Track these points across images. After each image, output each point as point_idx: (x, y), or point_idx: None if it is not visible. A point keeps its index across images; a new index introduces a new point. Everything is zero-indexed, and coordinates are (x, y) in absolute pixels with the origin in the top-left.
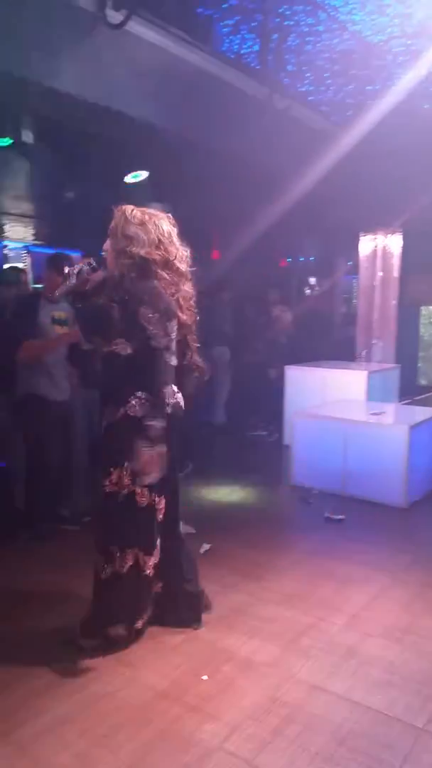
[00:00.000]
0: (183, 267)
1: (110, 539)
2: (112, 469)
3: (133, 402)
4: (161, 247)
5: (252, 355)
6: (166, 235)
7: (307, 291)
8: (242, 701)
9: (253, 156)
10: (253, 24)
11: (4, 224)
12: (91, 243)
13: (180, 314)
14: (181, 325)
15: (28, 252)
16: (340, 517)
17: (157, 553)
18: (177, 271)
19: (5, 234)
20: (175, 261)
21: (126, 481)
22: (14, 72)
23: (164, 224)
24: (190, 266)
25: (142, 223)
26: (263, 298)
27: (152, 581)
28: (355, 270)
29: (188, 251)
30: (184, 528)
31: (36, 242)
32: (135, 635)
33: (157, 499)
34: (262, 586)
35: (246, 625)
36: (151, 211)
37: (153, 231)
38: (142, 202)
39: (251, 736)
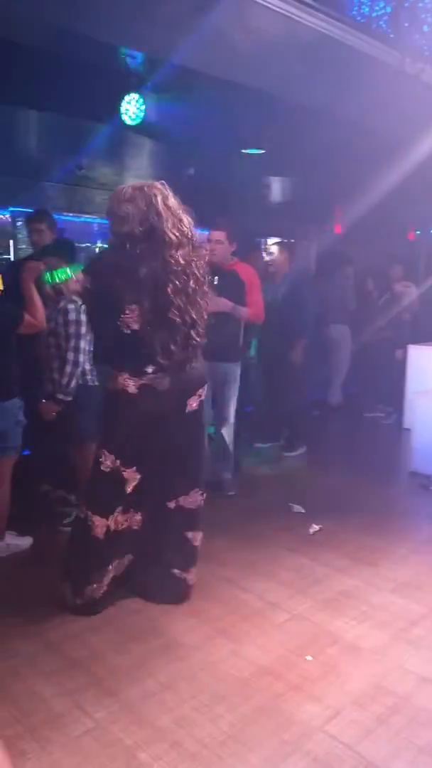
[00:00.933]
0: (173, 235)
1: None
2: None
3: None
4: (148, 218)
5: (374, 334)
6: (158, 205)
7: None
8: (346, 686)
9: (379, 124)
10: None
11: None
12: (211, 217)
13: (168, 284)
14: (171, 294)
15: None
16: None
17: (113, 520)
18: (162, 241)
19: None
20: (166, 230)
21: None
22: (141, 50)
23: (157, 194)
24: (187, 233)
25: (132, 199)
26: (387, 274)
27: (104, 547)
28: None
29: (187, 218)
30: (294, 507)
31: None
32: (88, 602)
33: (123, 469)
34: (375, 572)
35: (355, 609)
36: (143, 183)
37: (142, 204)
38: (259, 176)
39: (354, 722)
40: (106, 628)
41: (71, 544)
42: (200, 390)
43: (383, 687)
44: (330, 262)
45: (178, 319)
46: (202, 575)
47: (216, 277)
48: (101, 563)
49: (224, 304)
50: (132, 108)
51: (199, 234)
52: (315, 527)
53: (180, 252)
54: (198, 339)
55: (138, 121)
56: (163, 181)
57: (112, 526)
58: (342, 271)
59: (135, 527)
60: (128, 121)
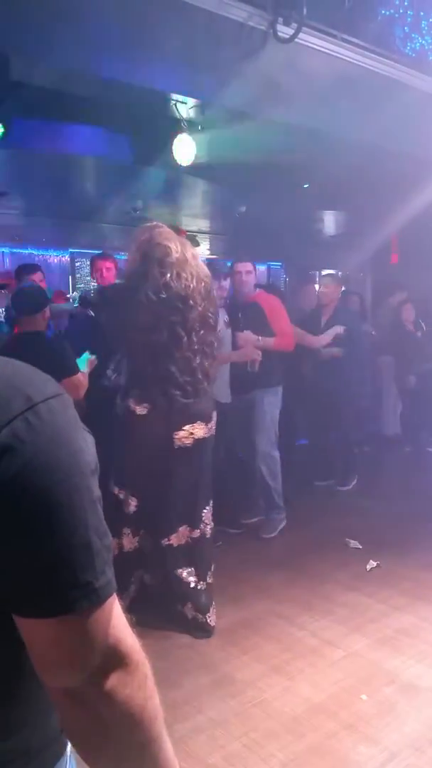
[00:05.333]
0: (146, 296)
1: None
2: None
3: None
4: (142, 265)
5: (420, 365)
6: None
7: None
8: (403, 727)
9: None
10: None
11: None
12: (264, 251)
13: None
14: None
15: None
16: None
17: (123, 540)
18: (137, 301)
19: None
20: (142, 291)
21: None
22: (190, 96)
23: (154, 249)
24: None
25: (135, 241)
26: None
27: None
28: None
29: (191, 270)
30: (350, 543)
31: (210, 256)
32: None
33: (119, 491)
34: None
35: (413, 648)
36: (152, 230)
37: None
38: (312, 209)
39: (411, 767)
40: (157, 663)
41: None
42: (189, 426)
43: None
44: (382, 292)
45: (161, 365)
46: (256, 612)
47: (240, 314)
48: (120, 576)
49: (246, 338)
50: (183, 150)
51: (221, 266)
52: (372, 563)
53: (158, 312)
54: (188, 379)
55: (189, 162)
56: (163, 228)
57: (126, 546)
58: (387, 302)
59: (147, 550)
60: (180, 163)
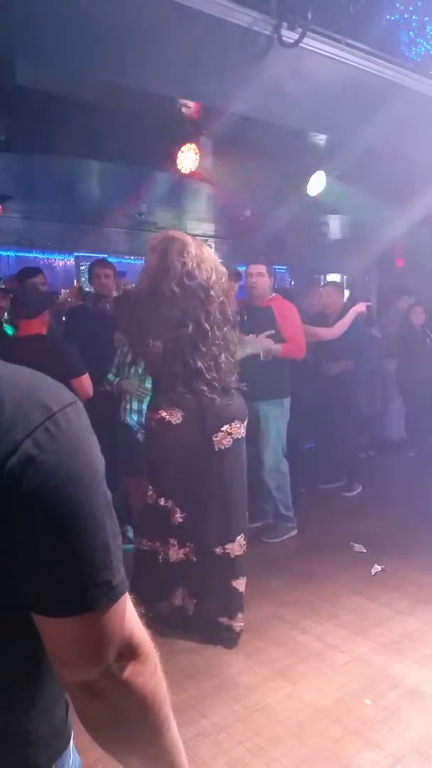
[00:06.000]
0: (176, 288)
1: None
2: None
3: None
4: (159, 271)
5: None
6: (170, 258)
7: None
8: (407, 732)
9: None
10: None
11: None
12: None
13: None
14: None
15: None
16: None
17: (173, 550)
18: (161, 295)
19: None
20: (165, 285)
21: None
22: (195, 100)
23: (170, 248)
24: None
25: (153, 250)
26: None
27: (164, 573)
28: None
29: (207, 268)
30: (355, 547)
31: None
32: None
33: (164, 501)
34: None
35: (418, 653)
36: (166, 235)
37: (156, 257)
38: (317, 214)
39: None
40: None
41: (137, 569)
42: (226, 426)
43: None
44: (387, 296)
45: (190, 360)
46: (260, 615)
47: (246, 316)
48: (165, 584)
49: (252, 341)
50: (187, 157)
51: (235, 269)
52: (377, 567)
53: (166, 308)
54: (215, 376)
55: (192, 168)
56: (180, 232)
57: (173, 557)
58: (394, 306)
59: (194, 559)
60: (183, 170)
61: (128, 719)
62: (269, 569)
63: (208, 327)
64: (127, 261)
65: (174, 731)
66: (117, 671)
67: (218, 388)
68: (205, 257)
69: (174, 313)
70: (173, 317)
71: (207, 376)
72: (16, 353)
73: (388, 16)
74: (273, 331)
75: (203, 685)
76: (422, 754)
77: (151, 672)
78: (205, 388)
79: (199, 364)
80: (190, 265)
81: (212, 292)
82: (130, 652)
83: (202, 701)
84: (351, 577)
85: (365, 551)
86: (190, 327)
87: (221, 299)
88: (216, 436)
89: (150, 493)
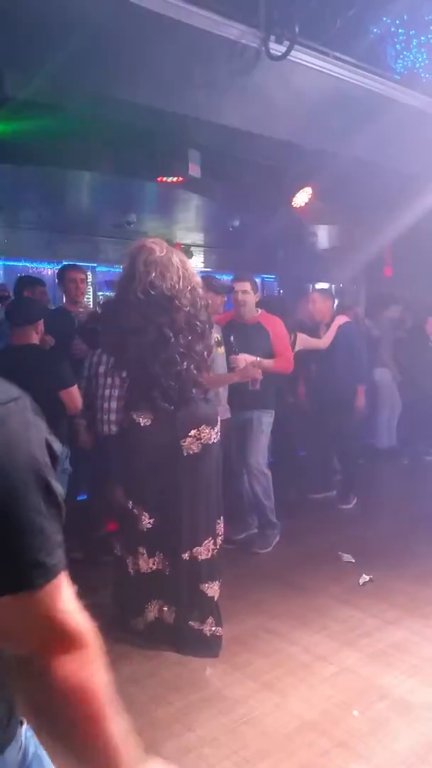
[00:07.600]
0: (134, 296)
1: None
2: None
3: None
4: (128, 276)
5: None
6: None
7: None
8: (395, 744)
9: (422, 170)
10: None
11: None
12: (258, 265)
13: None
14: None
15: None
16: None
17: (143, 560)
18: (127, 302)
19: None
20: (131, 292)
21: None
22: (183, 112)
23: (140, 255)
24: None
25: (127, 256)
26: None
27: (137, 585)
28: None
29: (174, 275)
30: (344, 557)
31: (205, 269)
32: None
33: (133, 506)
34: (427, 624)
35: (406, 663)
36: (142, 243)
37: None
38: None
39: None
40: (147, 681)
41: (115, 581)
42: (194, 431)
43: None
44: (375, 304)
45: (149, 367)
46: (248, 628)
47: (232, 336)
48: (137, 598)
49: (244, 360)
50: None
51: (227, 283)
52: (365, 577)
53: (146, 311)
54: (172, 384)
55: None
56: (155, 240)
57: (143, 567)
58: (382, 315)
59: (167, 572)
60: (168, 181)
61: (59, 706)
62: (258, 580)
63: (170, 335)
64: (118, 270)
65: (112, 731)
66: (47, 653)
67: (173, 397)
68: (174, 263)
69: (137, 319)
70: (136, 323)
71: (163, 383)
72: (6, 361)
73: (374, 30)
74: (258, 358)
75: (189, 698)
76: (409, 766)
77: (86, 661)
78: (158, 395)
79: (157, 370)
80: (153, 274)
81: (176, 301)
82: (62, 636)
83: (188, 714)
84: (340, 588)
85: (353, 561)
86: (152, 335)
87: (187, 309)
88: (184, 441)
89: (119, 497)
